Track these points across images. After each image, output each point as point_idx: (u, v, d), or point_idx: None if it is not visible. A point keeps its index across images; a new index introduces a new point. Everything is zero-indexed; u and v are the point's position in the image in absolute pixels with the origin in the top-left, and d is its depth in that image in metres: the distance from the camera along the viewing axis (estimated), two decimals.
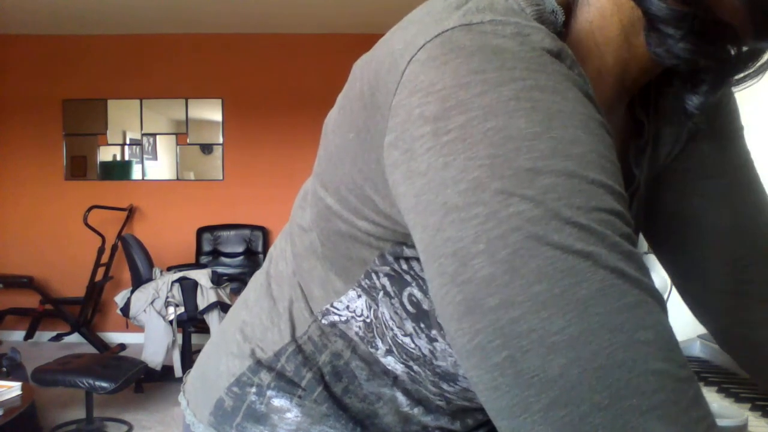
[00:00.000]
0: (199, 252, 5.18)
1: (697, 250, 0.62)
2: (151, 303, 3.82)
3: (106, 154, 5.39)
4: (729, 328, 0.64)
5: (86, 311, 4.91)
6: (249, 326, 0.63)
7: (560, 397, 0.31)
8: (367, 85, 0.42)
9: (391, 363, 0.57)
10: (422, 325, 0.50)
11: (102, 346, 4.82)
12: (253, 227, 5.25)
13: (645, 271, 0.34)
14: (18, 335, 5.06)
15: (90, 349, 4.63)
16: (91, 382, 2.99)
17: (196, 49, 5.27)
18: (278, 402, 0.59)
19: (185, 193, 5.38)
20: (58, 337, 5.03)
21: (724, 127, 0.60)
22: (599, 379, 0.30)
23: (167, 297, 3.83)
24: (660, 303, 0.34)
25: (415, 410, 0.59)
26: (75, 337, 4.92)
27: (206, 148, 5.41)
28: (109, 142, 5.36)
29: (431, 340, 0.51)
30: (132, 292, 3.93)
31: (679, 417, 0.31)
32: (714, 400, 0.96)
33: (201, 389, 0.65)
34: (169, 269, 4.38)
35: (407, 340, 0.53)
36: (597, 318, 0.31)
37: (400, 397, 0.59)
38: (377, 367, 0.57)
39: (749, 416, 0.74)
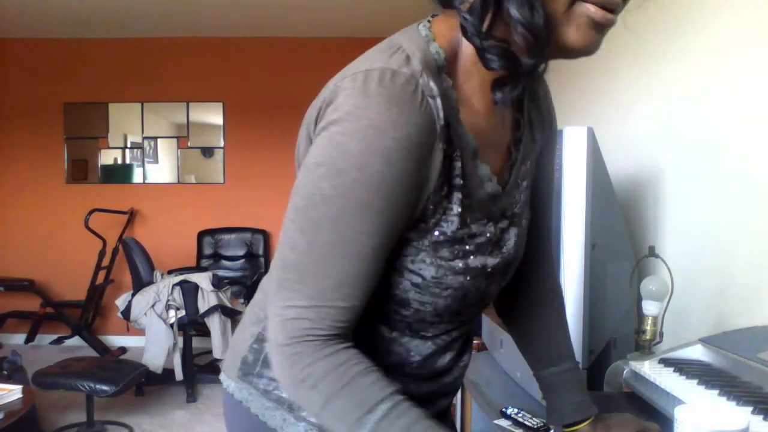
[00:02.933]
0: (200, 255, 5.18)
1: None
2: (152, 306, 3.81)
3: (107, 157, 5.40)
4: None
5: (87, 314, 4.91)
6: (262, 302, 0.83)
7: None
8: (315, 110, 0.68)
9: None
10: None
11: (103, 349, 4.83)
12: (254, 230, 5.26)
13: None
14: (19, 338, 5.07)
15: (91, 353, 4.63)
16: (91, 385, 2.99)
17: (197, 53, 5.28)
18: None
19: (186, 197, 5.39)
20: (58, 341, 5.03)
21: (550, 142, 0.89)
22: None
23: (168, 300, 3.83)
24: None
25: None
26: (76, 341, 4.92)
27: (207, 152, 5.42)
28: (110, 146, 5.37)
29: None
30: (133, 295, 3.93)
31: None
32: (715, 403, 0.96)
33: (232, 357, 0.85)
34: (170, 272, 4.38)
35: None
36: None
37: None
38: None
39: (751, 420, 0.74)
